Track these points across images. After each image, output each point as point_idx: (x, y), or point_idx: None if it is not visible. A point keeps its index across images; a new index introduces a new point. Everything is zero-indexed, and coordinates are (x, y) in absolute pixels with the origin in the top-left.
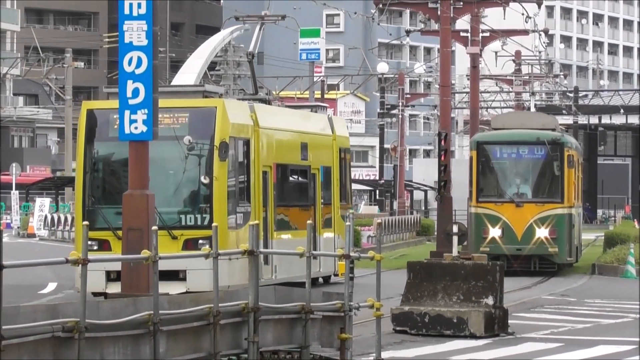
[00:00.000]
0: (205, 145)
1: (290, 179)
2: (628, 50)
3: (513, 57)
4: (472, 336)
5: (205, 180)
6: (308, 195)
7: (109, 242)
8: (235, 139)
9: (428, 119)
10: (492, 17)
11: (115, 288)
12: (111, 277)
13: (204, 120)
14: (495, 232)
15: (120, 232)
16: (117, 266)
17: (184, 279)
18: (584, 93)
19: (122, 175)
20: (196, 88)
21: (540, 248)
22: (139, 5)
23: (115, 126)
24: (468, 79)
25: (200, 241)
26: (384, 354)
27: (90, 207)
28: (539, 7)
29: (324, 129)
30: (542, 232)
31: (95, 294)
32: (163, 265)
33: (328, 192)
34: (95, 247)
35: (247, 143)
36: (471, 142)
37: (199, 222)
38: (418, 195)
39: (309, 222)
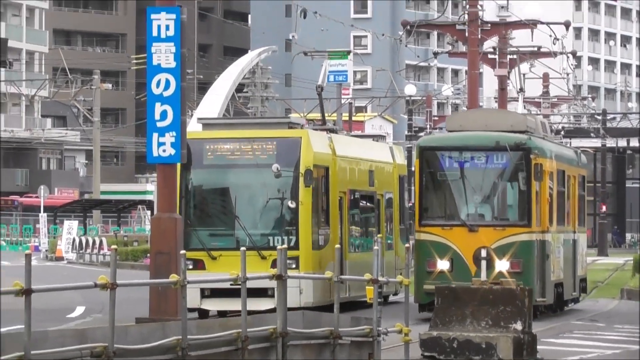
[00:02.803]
0: (292, 173)
1: (361, 203)
2: None
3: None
4: None
5: (292, 204)
6: (375, 219)
7: (203, 262)
8: (318, 166)
9: None
10: (520, 39)
11: (209, 304)
12: (205, 293)
13: (290, 149)
14: (443, 264)
15: (214, 253)
16: (211, 284)
17: (272, 296)
18: (612, 115)
19: (214, 200)
20: (282, 119)
21: None
22: (167, 27)
23: (208, 154)
24: (496, 101)
25: (287, 261)
26: None
27: (185, 230)
28: (567, 29)
29: (387, 157)
30: (502, 265)
31: (189, 310)
32: (252, 284)
33: (390, 216)
34: (191, 267)
35: (327, 170)
36: (415, 148)
37: (285, 244)
38: None
39: (337, 246)
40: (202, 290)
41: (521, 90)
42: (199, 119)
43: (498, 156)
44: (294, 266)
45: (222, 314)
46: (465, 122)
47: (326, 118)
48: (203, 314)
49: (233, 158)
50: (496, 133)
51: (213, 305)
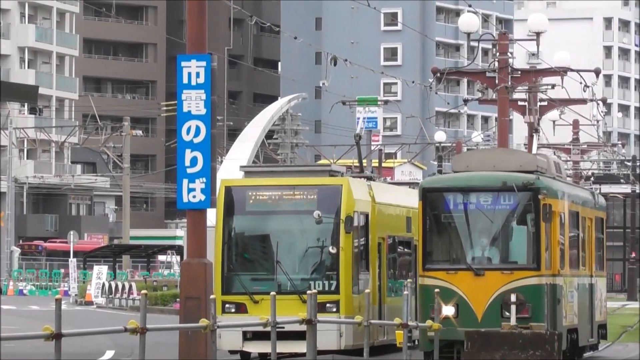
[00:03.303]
0: (333, 219)
1: (399, 248)
2: None
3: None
4: None
5: (332, 250)
6: (412, 264)
7: (245, 305)
8: (358, 213)
9: None
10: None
11: (251, 347)
12: (247, 336)
13: (331, 196)
14: (448, 310)
15: (256, 296)
16: (252, 327)
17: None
18: None
19: (257, 245)
20: (323, 167)
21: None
22: (198, 75)
23: (251, 201)
24: (525, 148)
25: (328, 305)
26: None
27: (227, 274)
28: (597, 76)
29: None
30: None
31: (231, 352)
32: (294, 327)
33: None
34: (233, 310)
35: (366, 217)
36: (419, 190)
37: (326, 288)
38: None
39: (367, 291)
40: (244, 333)
41: (536, 131)
42: (242, 166)
43: (505, 197)
44: (334, 310)
45: (263, 356)
46: (472, 162)
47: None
48: (245, 356)
49: (275, 205)
50: (503, 173)
51: (254, 348)
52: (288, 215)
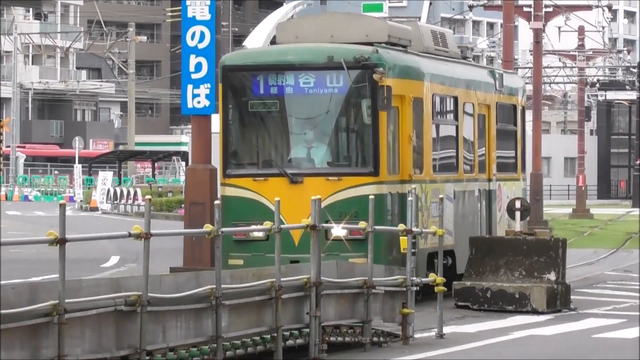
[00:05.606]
0: None
1: None
2: None
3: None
4: (534, 312)
5: None
6: None
7: None
8: None
9: None
10: None
11: None
12: None
13: None
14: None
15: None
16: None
17: None
18: None
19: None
20: None
21: (335, 258)
22: None
23: None
24: (531, 54)
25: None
26: (445, 329)
27: None
28: None
29: None
30: (337, 231)
31: None
32: None
33: None
34: None
35: None
36: (219, 68)
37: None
38: None
39: (371, 196)
40: None
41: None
42: None
43: (333, 77)
44: None
45: None
46: (302, 32)
47: None
48: None
49: None
50: (331, 45)
51: None
52: None
